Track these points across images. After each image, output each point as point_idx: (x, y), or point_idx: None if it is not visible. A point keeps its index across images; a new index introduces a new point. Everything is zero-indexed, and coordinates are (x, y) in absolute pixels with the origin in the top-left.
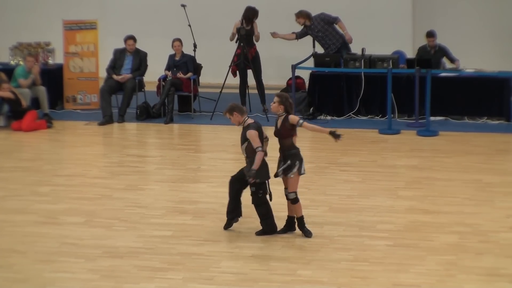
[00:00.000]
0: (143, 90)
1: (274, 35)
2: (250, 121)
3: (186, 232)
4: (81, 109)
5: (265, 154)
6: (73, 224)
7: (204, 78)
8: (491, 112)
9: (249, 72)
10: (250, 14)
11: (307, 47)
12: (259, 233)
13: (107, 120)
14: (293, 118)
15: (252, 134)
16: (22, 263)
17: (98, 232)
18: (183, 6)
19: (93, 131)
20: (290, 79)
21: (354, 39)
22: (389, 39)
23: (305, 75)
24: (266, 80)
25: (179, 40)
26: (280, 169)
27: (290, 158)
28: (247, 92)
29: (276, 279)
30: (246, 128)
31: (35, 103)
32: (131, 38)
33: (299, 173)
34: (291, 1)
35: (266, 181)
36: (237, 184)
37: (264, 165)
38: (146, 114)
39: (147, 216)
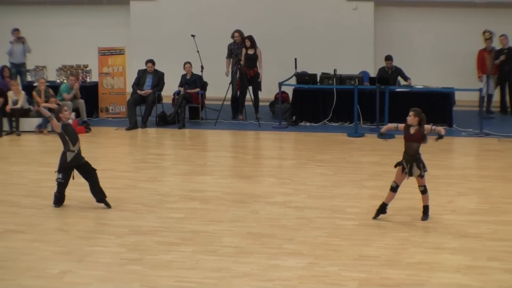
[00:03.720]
0: (161, 102)
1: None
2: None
3: (195, 214)
4: (112, 117)
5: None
6: (106, 208)
7: (209, 93)
8: (436, 119)
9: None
10: (253, 41)
11: (292, 68)
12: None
13: (132, 126)
14: (427, 126)
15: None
16: (66, 239)
17: (126, 214)
18: (193, 36)
19: (121, 135)
20: (277, 93)
21: (328, 62)
22: (355, 62)
23: (289, 90)
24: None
25: (190, 63)
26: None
27: (419, 161)
28: (244, 103)
29: (266, 251)
30: None
31: (76, 113)
32: (150, 61)
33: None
34: (279, 31)
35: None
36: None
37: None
38: (164, 121)
39: (164, 201)
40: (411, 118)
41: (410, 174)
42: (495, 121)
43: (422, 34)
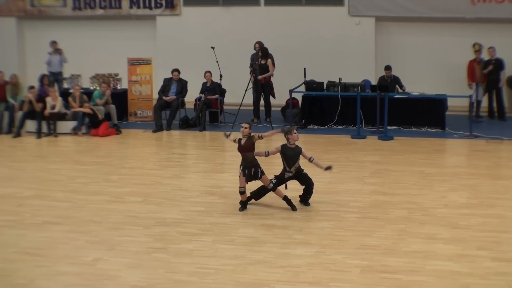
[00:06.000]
0: (184, 107)
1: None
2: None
3: (214, 208)
4: (140, 121)
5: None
6: (134, 202)
7: (227, 99)
8: (431, 123)
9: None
10: (265, 52)
11: (301, 76)
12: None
13: (158, 128)
14: (254, 136)
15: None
16: (98, 230)
17: (152, 208)
18: (213, 48)
19: (148, 136)
20: (288, 99)
21: (334, 71)
22: (358, 71)
23: (299, 96)
24: (271, 100)
25: (210, 72)
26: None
27: (257, 166)
28: (259, 107)
29: (278, 241)
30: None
31: (108, 117)
32: (176, 70)
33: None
34: (290, 44)
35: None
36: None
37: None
38: (186, 124)
39: (187, 196)
40: (246, 130)
41: (255, 178)
42: (483, 125)
43: (418, 46)
